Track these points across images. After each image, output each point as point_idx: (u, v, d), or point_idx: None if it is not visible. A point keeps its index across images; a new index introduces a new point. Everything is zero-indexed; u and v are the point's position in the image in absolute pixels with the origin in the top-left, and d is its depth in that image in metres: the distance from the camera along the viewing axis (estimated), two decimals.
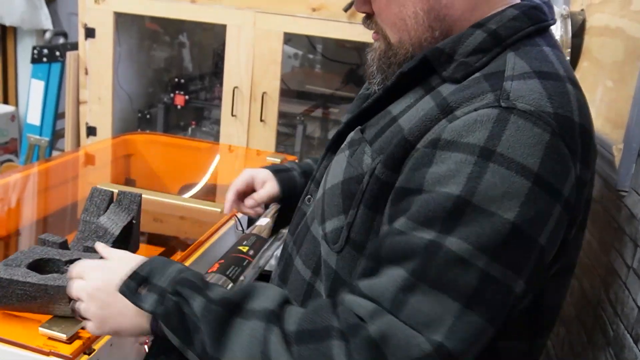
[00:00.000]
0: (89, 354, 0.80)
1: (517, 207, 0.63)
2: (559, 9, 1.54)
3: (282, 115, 2.41)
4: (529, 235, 0.65)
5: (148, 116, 2.66)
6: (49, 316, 0.83)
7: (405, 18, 0.79)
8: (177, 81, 2.61)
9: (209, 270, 1.12)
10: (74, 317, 0.79)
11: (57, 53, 2.69)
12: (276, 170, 1.20)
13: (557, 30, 1.48)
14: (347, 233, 0.77)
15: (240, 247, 1.22)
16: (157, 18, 2.53)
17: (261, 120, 2.26)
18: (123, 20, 2.45)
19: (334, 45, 2.77)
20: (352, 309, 0.66)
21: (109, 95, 2.42)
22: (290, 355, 0.65)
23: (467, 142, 0.65)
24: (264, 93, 2.23)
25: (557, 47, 0.78)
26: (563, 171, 0.67)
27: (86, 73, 2.42)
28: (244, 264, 1.17)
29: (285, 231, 1.39)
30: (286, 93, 2.66)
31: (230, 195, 1.19)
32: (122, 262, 0.78)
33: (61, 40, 3.19)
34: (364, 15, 0.86)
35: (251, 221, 1.41)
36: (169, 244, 1.36)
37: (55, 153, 2.90)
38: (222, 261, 1.15)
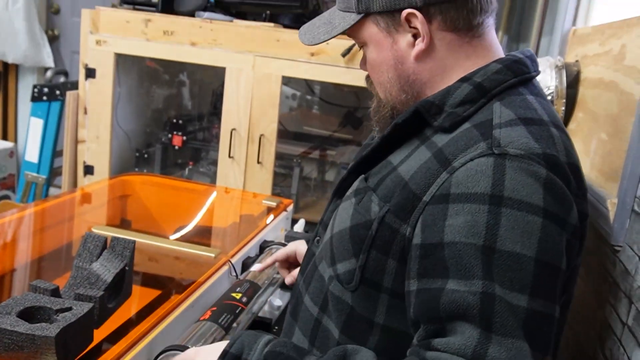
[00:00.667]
0: None
1: (536, 243, 0.70)
2: (553, 60, 1.56)
3: (279, 156, 2.42)
4: (552, 265, 0.72)
5: (146, 155, 2.67)
6: None
7: (384, 82, 0.91)
8: (175, 121, 2.63)
9: (201, 318, 1.11)
10: None
11: (57, 92, 2.71)
12: (288, 237, 1.32)
13: (552, 81, 1.50)
14: (361, 274, 0.84)
15: (234, 294, 1.21)
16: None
17: (258, 162, 2.27)
18: (123, 60, 2.47)
19: (332, 88, 2.80)
20: None
21: (108, 135, 2.44)
22: None
23: (476, 193, 0.72)
24: (261, 135, 2.24)
25: (541, 96, 0.86)
26: (564, 202, 0.74)
27: (85, 112, 2.44)
28: (237, 311, 1.16)
29: (278, 276, 1.39)
30: (283, 134, 2.68)
31: (269, 261, 1.30)
32: (211, 348, 0.85)
33: (62, 79, 3.22)
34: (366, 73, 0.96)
35: (245, 267, 1.41)
36: (163, 287, 1.35)
37: (52, 190, 2.90)
38: (215, 308, 1.14)
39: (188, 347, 0.91)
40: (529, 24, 2.31)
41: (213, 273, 1.28)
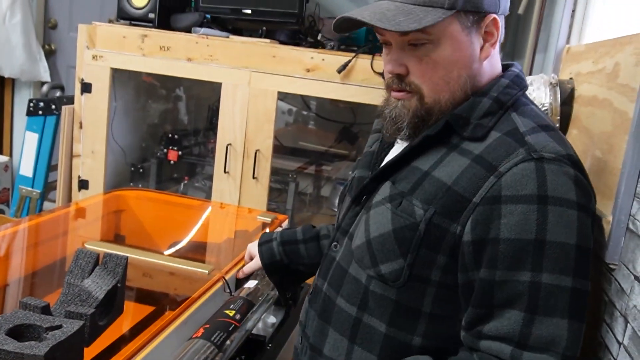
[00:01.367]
0: None
1: (575, 232, 0.84)
2: (548, 77, 1.57)
3: (274, 171, 2.42)
4: (587, 248, 0.86)
5: (141, 170, 2.66)
6: None
7: (449, 80, 0.95)
8: (170, 136, 2.62)
9: (194, 336, 1.10)
10: None
11: (53, 106, 2.71)
12: (260, 242, 1.35)
13: (547, 98, 1.51)
14: (409, 271, 0.92)
15: (227, 311, 1.20)
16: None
17: (254, 178, 2.26)
18: (120, 75, 2.48)
19: (328, 104, 2.81)
20: (492, 353, 0.85)
21: (103, 149, 2.43)
22: None
23: (525, 194, 0.84)
24: (257, 151, 2.24)
25: (535, 104, 1.01)
26: (589, 194, 0.89)
27: (81, 127, 2.43)
28: (230, 329, 1.15)
29: (273, 293, 1.38)
30: (279, 149, 2.68)
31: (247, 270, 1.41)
32: None
33: (58, 94, 3.21)
34: (390, 76, 0.99)
35: (239, 283, 1.40)
36: (156, 303, 1.33)
37: (46, 204, 2.88)
38: (208, 326, 1.13)
39: None
40: (523, 41, 2.32)
41: (207, 289, 1.27)
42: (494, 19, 0.94)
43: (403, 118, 0.98)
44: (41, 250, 1.59)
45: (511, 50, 2.50)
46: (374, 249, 0.96)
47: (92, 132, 2.43)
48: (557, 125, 1.50)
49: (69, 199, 2.52)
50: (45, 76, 3.33)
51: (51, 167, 2.79)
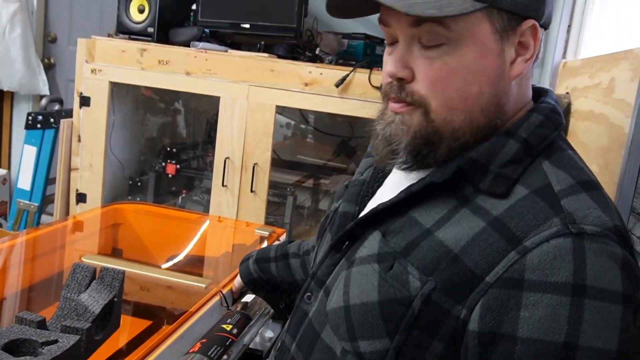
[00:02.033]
0: None
1: (617, 335, 0.64)
2: None
3: (272, 185, 2.42)
4: (626, 352, 0.66)
5: (139, 184, 2.66)
6: None
7: (467, 96, 0.74)
8: (169, 150, 2.63)
9: (191, 350, 1.09)
10: None
11: (52, 120, 2.72)
12: (241, 261, 1.31)
13: None
14: (396, 355, 0.73)
15: (224, 325, 1.20)
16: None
17: (252, 191, 2.26)
18: (118, 89, 2.48)
19: (326, 118, 2.81)
20: None
21: (101, 163, 2.43)
22: None
23: (556, 282, 0.64)
24: (255, 164, 2.24)
25: (572, 147, 0.79)
26: (636, 280, 0.68)
27: (79, 140, 2.43)
28: (227, 343, 1.15)
29: (265, 306, 1.37)
30: (277, 163, 2.68)
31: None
32: None
33: (56, 107, 3.22)
34: (389, 81, 0.78)
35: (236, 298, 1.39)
36: (153, 317, 1.33)
37: (44, 218, 2.88)
38: (205, 340, 1.13)
39: None
40: None
41: (204, 304, 1.27)
42: (534, 26, 0.73)
43: (400, 138, 0.77)
44: (38, 263, 1.58)
45: None
46: (353, 320, 0.76)
47: (91, 145, 2.43)
48: None
49: (66, 212, 2.52)
50: (44, 90, 3.34)
51: (49, 181, 2.79)
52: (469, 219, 0.71)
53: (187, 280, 1.41)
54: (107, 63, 2.36)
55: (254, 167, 2.25)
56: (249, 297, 1.37)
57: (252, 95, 2.23)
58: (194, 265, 1.72)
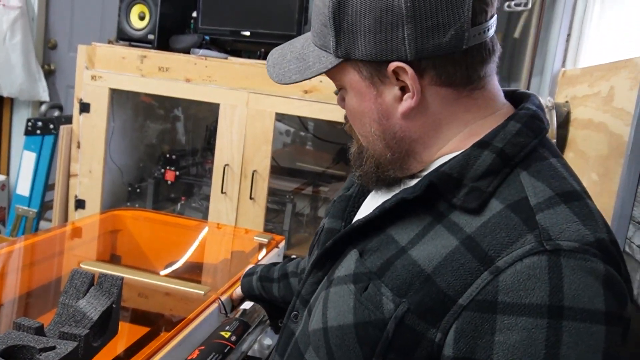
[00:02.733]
0: None
1: (601, 357, 0.61)
2: (544, 100, 1.58)
3: (271, 192, 2.42)
4: None
5: (138, 190, 2.66)
6: None
7: (366, 134, 0.79)
8: (168, 156, 2.63)
9: (189, 357, 1.09)
10: None
11: (51, 126, 2.72)
12: (244, 274, 1.32)
13: None
14: None
15: (222, 333, 1.20)
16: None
17: (251, 198, 2.26)
18: (118, 95, 2.49)
19: (326, 125, 2.82)
20: None
21: (100, 169, 2.43)
22: None
23: (531, 304, 0.61)
24: (254, 171, 2.24)
25: (559, 154, 0.76)
26: (622, 297, 0.64)
27: (78, 147, 2.44)
28: (225, 350, 1.15)
29: (263, 313, 1.37)
30: (276, 170, 2.68)
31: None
32: None
33: (56, 113, 3.23)
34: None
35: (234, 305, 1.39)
36: (151, 324, 1.33)
37: (43, 224, 2.87)
38: (203, 347, 1.13)
39: None
40: (519, 64, 2.34)
41: (202, 311, 1.26)
42: (400, 67, 0.71)
43: (354, 161, 0.85)
44: (36, 270, 1.58)
45: (507, 74, 2.52)
46: (331, 343, 0.74)
47: (90, 151, 2.43)
48: None
49: (65, 218, 2.51)
50: (44, 96, 3.35)
51: (48, 187, 2.79)
52: (443, 237, 0.69)
53: (185, 287, 1.40)
54: (107, 69, 2.37)
55: (253, 174, 2.25)
56: (247, 305, 1.36)
57: (251, 102, 2.23)
58: (192, 272, 1.71)
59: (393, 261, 0.71)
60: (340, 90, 0.81)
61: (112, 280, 1.06)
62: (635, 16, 1.42)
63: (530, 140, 0.72)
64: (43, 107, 3.27)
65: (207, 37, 2.41)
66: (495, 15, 0.74)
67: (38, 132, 2.73)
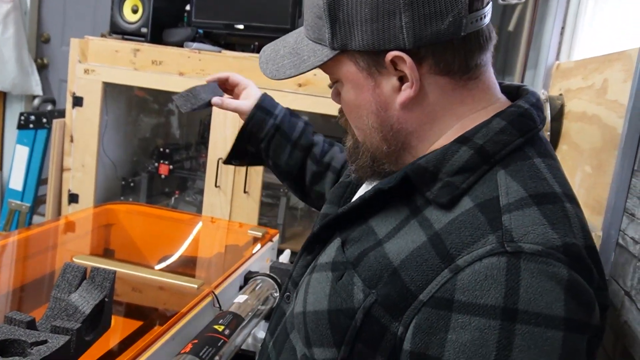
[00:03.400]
0: None
1: None
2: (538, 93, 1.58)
3: (266, 186, 2.41)
4: None
5: (132, 184, 2.65)
6: None
7: (363, 127, 0.78)
8: (162, 150, 2.62)
9: (182, 351, 1.08)
10: None
11: (44, 120, 2.71)
12: (258, 105, 1.21)
13: None
14: None
15: (216, 326, 1.19)
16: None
17: (245, 192, 2.25)
18: (112, 89, 2.47)
19: (320, 119, 2.81)
20: None
21: (93, 163, 2.42)
22: None
23: (485, 304, 0.60)
24: None
25: (549, 154, 0.73)
26: (588, 305, 0.63)
27: (71, 140, 2.42)
28: (219, 344, 1.14)
29: (263, 308, 1.37)
30: None
31: (217, 75, 1.24)
32: None
33: (49, 107, 3.21)
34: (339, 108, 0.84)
35: (227, 297, 1.39)
36: (144, 318, 1.32)
37: (36, 218, 2.86)
38: (196, 341, 1.12)
39: None
40: (513, 57, 2.34)
41: (196, 304, 1.26)
42: (398, 56, 0.70)
43: (349, 155, 0.85)
44: (29, 264, 1.57)
45: (502, 67, 2.52)
46: (308, 327, 0.76)
47: (83, 145, 2.42)
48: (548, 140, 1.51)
49: (58, 212, 2.51)
50: (37, 90, 3.33)
51: (41, 181, 2.78)
52: (415, 232, 0.69)
53: (179, 281, 1.40)
54: (100, 63, 2.35)
55: (247, 168, 2.24)
56: (241, 298, 1.36)
57: None
58: (186, 265, 1.71)
59: (368, 252, 0.71)
60: (335, 83, 0.81)
61: (104, 274, 1.06)
62: (629, 8, 1.42)
63: (515, 139, 0.70)
64: (36, 101, 3.26)
65: (200, 31, 2.40)
66: (491, 3, 0.73)
67: (31, 126, 2.71)
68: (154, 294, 1.44)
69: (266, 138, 1.18)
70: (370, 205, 0.75)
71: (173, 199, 2.74)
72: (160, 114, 2.97)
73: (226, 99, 1.21)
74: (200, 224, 2.06)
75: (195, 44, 2.31)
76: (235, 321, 1.23)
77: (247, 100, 1.21)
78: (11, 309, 1.01)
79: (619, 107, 1.09)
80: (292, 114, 1.25)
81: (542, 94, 1.56)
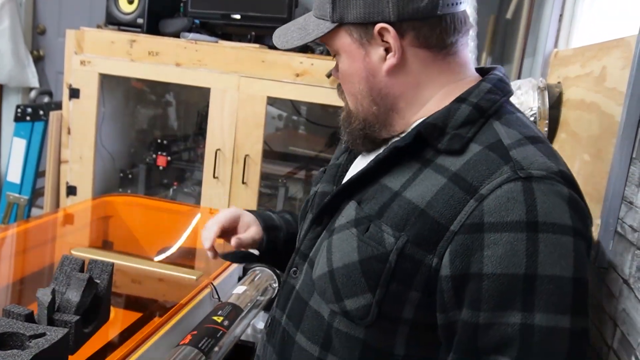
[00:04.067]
0: None
1: (572, 263, 0.73)
2: (536, 81, 1.57)
3: (264, 176, 2.41)
4: (584, 281, 0.75)
5: (130, 176, 2.65)
6: None
7: (355, 93, 0.90)
8: (159, 142, 2.61)
9: (181, 342, 1.08)
10: None
11: (41, 112, 2.69)
12: (262, 218, 1.16)
13: (535, 102, 1.51)
14: (379, 308, 0.81)
15: (215, 317, 1.19)
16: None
17: (243, 183, 2.25)
18: (108, 81, 2.46)
19: (318, 109, 2.80)
20: None
21: (91, 155, 2.41)
22: None
23: (512, 221, 0.73)
24: (246, 156, 2.23)
25: (521, 112, 0.90)
26: (585, 216, 0.78)
27: (69, 133, 2.42)
28: (218, 335, 1.14)
29: (262, 298, 1.37)
30: (269, 154, 2.67)
31: (213, 230, 1.12)
32: None
33: (46, 99, 3.20)
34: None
35: (226, 289, 1.39)
36: (143, 310, 1.32)
37: (34, 211, 2.86)
38: (195, 332, 1.12)
39: None
40: (511, 45, 2.33)
41: (194, 296, 1.26)
42: (384, 27, 0.83)
43: (342, 124, 0.95)
44: (28, 257, 1.57)
45: (500, 54, 2.51)
46: (338, 282, 0.84)
47: (80, 137, 2.41)
48: (546, 129, 1.50)
49: (57, 205, 2.50)
50: (34, 82, 3.31)
51: (39, 173, 2.77)
52: (432, 177, 0.80)
53: (178, 273, 1.40)
54: (96, 54, 2.34)
55: (245, 159, 2.24)
56: (240, 289, 1.36)
57: (242, 86, 2.21)
58: (185, 257, 1.71)
59: (389, 204, 0.82)
60: (335, 57, 0.91)
61: (102, 266, 1.06)
62: None
63: (500, 98, 0.85)
64: (32, 94, 3.24)
65: (197, 21, 2.38)
66: None
67: (28, 118, 2.70)
68: (152, 285, 1.44)
69: (284, 251, 1.12)
70: (382, 166, 0.85)
71: (171, 190, 2.73)
72: (158, 105, 2.96)
73: (241, 238, 1.13)
74: (198, 215, 2.06)
75: (191, 35, 2.29)
76: (234, 312, 1.24)
77: (251, 228, 1.15)
78: (10, 302, 1.01)
79: (617, 94, 1.09)
80: (280, 214, 1.22)
81: (540, 82, 1.55)
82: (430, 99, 0.87)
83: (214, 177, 2.27)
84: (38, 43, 3.46)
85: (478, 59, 1.97)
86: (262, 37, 2.36)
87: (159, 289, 1.43)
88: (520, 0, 2.24)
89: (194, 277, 1.33)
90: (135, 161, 2.77)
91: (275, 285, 1.46)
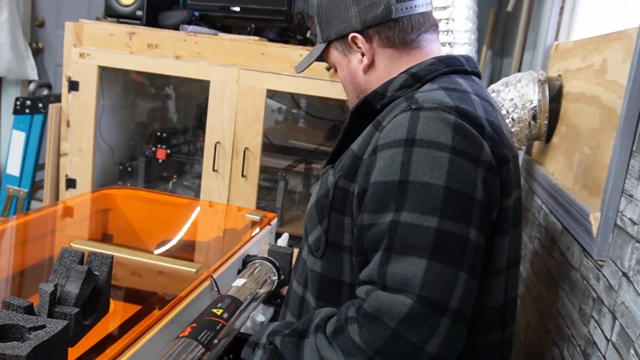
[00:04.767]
0: None
1: (445, 174, 0.84)
2: (536, 74, 1.57)
3: (263, 170, 2.41)
4: (463, 193, 0.85)
5: (129, 169, 2.64)
6: None
7: (349, 93, 1.13)
8: (159, 135, 2.61)
9: (181, 335, 1.08)
10: None
11: (40, 105, 2.69)
12: None
13: (535, 95, 1.51)
14: (326, 238, 0.98)
15: (215, 310, 1.19)
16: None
17: (242, 176, 2.25)
18: (108, 73, 2.46)
19: (318, 102, 2.80)
20: (358, 296, 0.86)
21: (90, 148, 2.41)
22: (333, 350, 0.86)
23: (394, 139, 0.88)
24: (246, 149, 2.23)
25: (478, 84, 1.02)
26: (475, 142, 0.87)
27: (68, 125, 2.41)
28: (218, 327, 1.14)
29: (261, 291, 1.37)
30: (269, 148, 2.67)
31: None
32: None
33: (45, 92, 3.19)
34: None
35: (227, 282, 1.39)
36: (143, 302, 1.32)
37: (34, 204, 2.86)
38: (195, 325, 1.12)
39: None
40: (512, 38, 2.32)
41: (194, 288, 1.26)
42: (353, 36, 1.04)
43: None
44: (28, 249, 1.57)
45: (500, 48, 2.50)
46: (306, 222, 1.05)
47: (80, 130, 2.41)
48: (546, 122, 1.50)
49: (56, 198, 2.50)
50: (33, 74, 3.30)
51: (38, 166, 2.77)
52: (369, 129, 0.97)
53: (177, 265, 1.40)
54: (95, 47, 2.34)
55: (244, 152, 2.23)
56: (239, 282, 1.36)
57: (242, 79, 2.21)
58: (184, 250, 1.71)
59: (344, 157, 1.00)
60: (333, 69, 1.18)
61: (101, 258, 1.05)
62: None
63: (441, 68, 1.00)
64: (32, 86, 3.23)
65: (196, 13, 2.38)
66: None
67: (27, 111, 2.70)
68: (152, 278, 1.44)
69: None
70: (349, 134, 1.05)
71: (171, 183, 2.73)
72: (157, 98, 2.96)
73: None
74: (198, 208, 2.05)
75: (191, 27, 2.29)
76: (234, 305, 1.23)
77: None
78: (10, 294, 1.01)
79: (618, 87, 1.08)
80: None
81: (541, 75, 1.55)
82: None
83: (213, 170, 2.27)
84: (37, 35, 3.45)
85: (478, 51, 1.96)
86: (262, 29, 2.35)
87: (158, 282, 1.43)
88: None
89: (194, 270, 1.33)
90: (134, 154, 2.76)
91: (275, 278, 1.46)
